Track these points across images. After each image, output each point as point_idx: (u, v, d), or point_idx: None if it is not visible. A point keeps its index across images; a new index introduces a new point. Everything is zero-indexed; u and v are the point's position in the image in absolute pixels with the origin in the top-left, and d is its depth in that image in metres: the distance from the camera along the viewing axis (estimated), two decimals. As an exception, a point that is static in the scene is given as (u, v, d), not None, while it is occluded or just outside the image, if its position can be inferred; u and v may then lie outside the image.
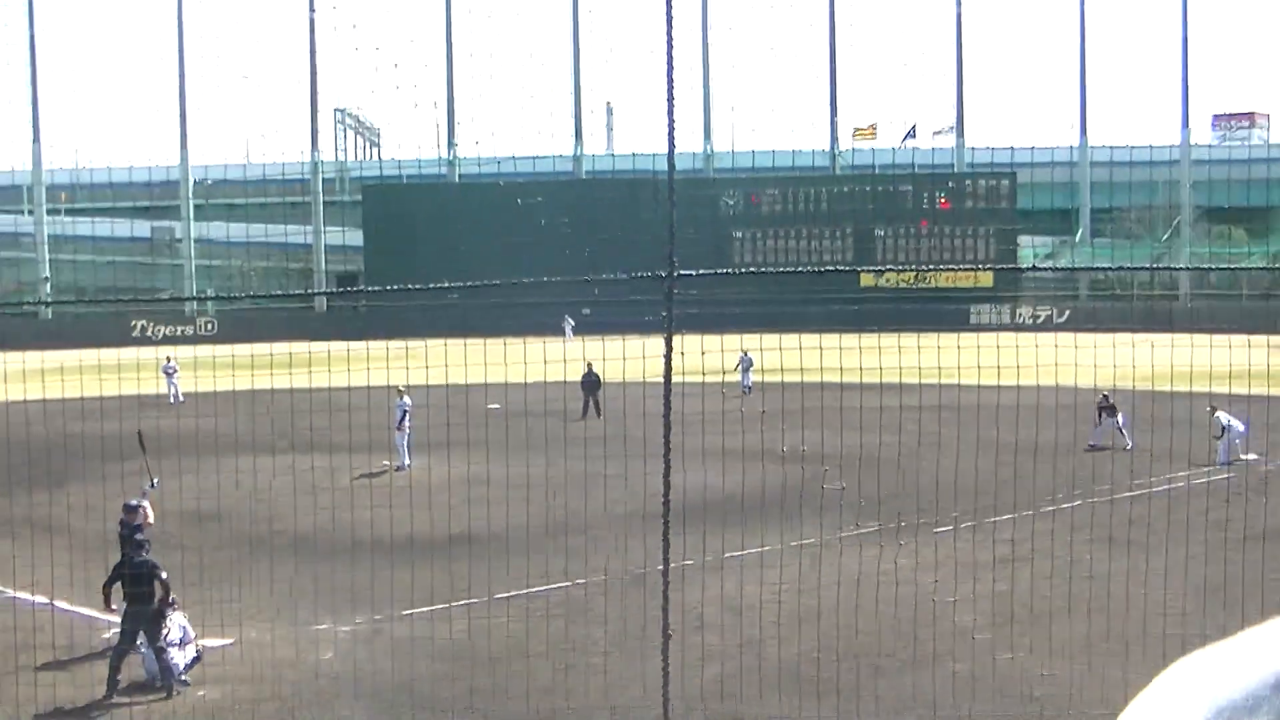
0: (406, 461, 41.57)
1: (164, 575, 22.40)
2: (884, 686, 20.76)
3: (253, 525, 31.29)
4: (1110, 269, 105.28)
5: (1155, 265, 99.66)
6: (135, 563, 22.39)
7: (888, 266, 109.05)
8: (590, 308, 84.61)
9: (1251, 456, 39.47)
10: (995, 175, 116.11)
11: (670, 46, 15.12)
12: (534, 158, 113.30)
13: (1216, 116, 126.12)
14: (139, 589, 22.03)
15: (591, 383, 53.55)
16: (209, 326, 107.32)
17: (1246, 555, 23.36)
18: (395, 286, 27.81)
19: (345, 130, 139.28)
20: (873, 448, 33.34)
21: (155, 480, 25.79)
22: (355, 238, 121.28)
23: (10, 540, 28.93)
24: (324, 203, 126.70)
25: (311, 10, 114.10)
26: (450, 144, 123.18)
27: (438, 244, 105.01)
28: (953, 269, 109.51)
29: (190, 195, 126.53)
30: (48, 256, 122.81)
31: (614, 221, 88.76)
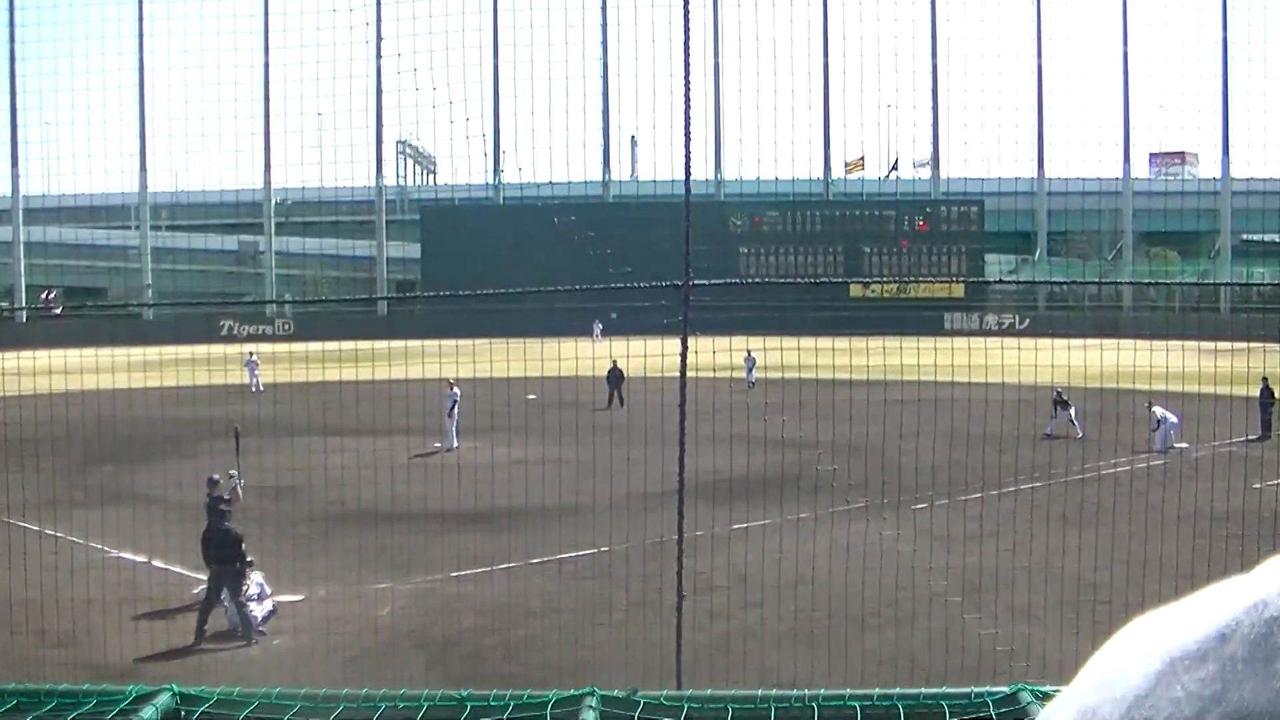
0: (455, 444, 41.43)
1: (243, 540, 22.37)
2: (869, 641, 20.66)
3: (322, 499, 31.20)
4: (1064, 283, 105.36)
5: (1102, 280, 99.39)
6: (219, 529, 22.36)
7: (873, 279, 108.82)
8: (616, 312, 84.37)
9: (1183, 445, 39.31)
10: (966, 202, 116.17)
11: (687, 91, 15.03)
12: (568, 183, 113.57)
13: (1153, 155, 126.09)
14: (222, 552, 22.00)
15: (616, 377, 53.43)
16: (286, 326, 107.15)
17: (1180, 531, 23.26)
18: (447, 293, 27.68)
19: (405, 159, 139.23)
20: (860, 436, 33.25)
21: (238, 475, 25.55)
22: (413, 251, 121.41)
23: (115, 507, 28.87)
24: (386, 221, 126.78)
25: (378, 56, 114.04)
26: (496, 171, 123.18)
27: (484, 257, 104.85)
28: (929, 281, 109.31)
29: (272, 214, 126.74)
30: (150, 266, 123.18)
31: (637, 238, 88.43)
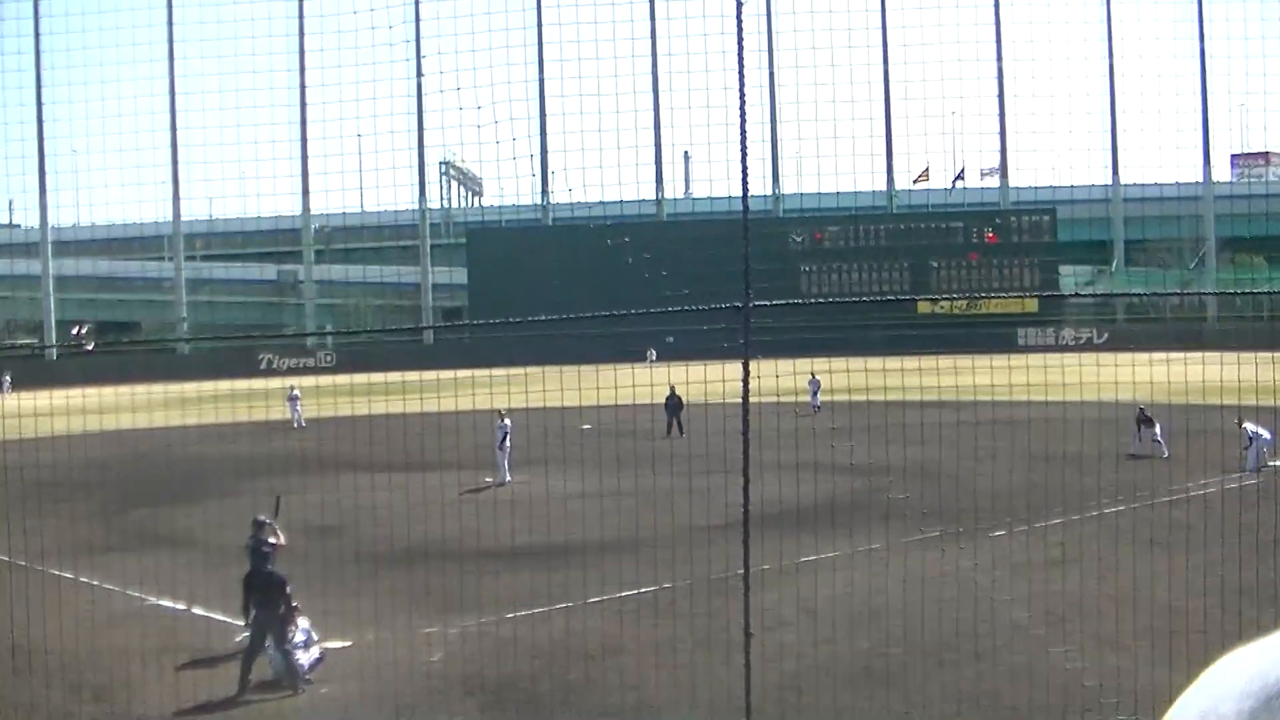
0: (507, 478, 41.42)
1: (288, 584, 22.35)
2: (947, 678, 20.47)
3: (369, 538, 31.23)
4: (1144, 294, 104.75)
5: (1184, 291, 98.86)
6: (263, 573, 22.35)
7: (942, 295, 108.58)
8: (673, 336, 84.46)
9: (1277, 463, 38.89)
10: (1037, 212, 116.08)
11: (743, 103, 14.98)
12: (620, 202, 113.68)
13: (1235, 156, 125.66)
14: (267, 596, 21.99)
15: (674, 404, 53.44)
16: (328, 359, 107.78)
17: (1277, 555, 22.97)
18: (496, 320, 27.70)
19: (449, 180, 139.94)
20: (932, 460, 33.07)
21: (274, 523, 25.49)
22: (460, 276, 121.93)
23: (153, 552, 28.97)
24: (431, 245, 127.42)
25: (419, 75, 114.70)
26: (544, 191, 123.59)
27: (534, 281, 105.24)
28: (1001, 296, 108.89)
29: (311, 241, 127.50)
30: (185, 298, 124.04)
31: (693, 258, 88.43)
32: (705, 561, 24.88)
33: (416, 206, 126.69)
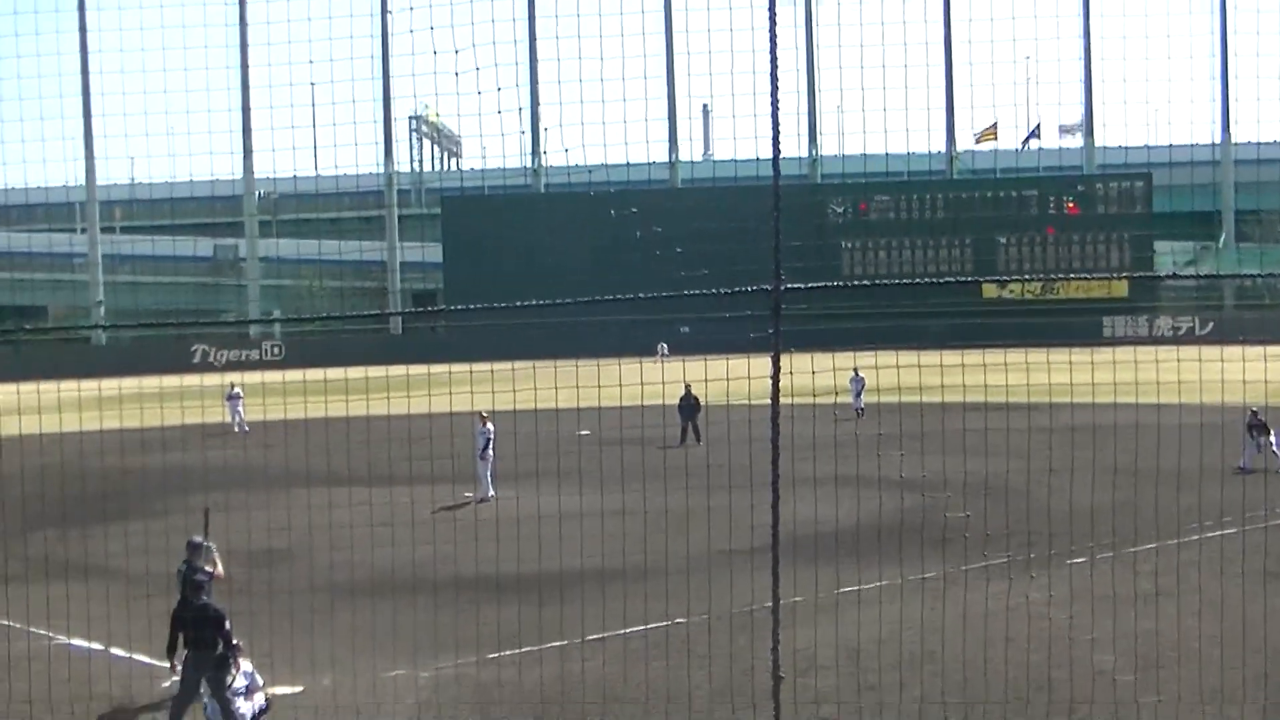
0: (490, 493, 41.55)
1: (227, 619, 22.41)
2: (1015, 734, 20.57)
3: (325, 564, 31.35)
4: (1258, 275, 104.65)
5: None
6: (196, 606, 22.36)
7: (1012, 277, 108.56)
8: (688, 325, 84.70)
9: None
10: (1129, 177, 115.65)
11: (774, 44, 15.05)
12: (626, 165, 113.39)
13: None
14: (201, 634, 22.02)
15: (690, 407, 53.52)
16: (275, 351, 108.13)
17: None
18: (477, 305, 27.79)
19: (421, 139, 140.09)
20: (999, 473, 33.16)
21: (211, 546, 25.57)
22: (434, 253, 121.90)
23: (64, 582, 29.07)
24: (399, 216, 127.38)
25: (385, 11, 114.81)
26: (535, 151, 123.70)
27: (523, 259, 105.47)
28: (1084, 278, 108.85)
29: (255, 210, 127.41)
30: (102, 278, 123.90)
31: (713, 233, 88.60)
32: (726, 593, 24.98)
33: (381, 170, 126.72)
